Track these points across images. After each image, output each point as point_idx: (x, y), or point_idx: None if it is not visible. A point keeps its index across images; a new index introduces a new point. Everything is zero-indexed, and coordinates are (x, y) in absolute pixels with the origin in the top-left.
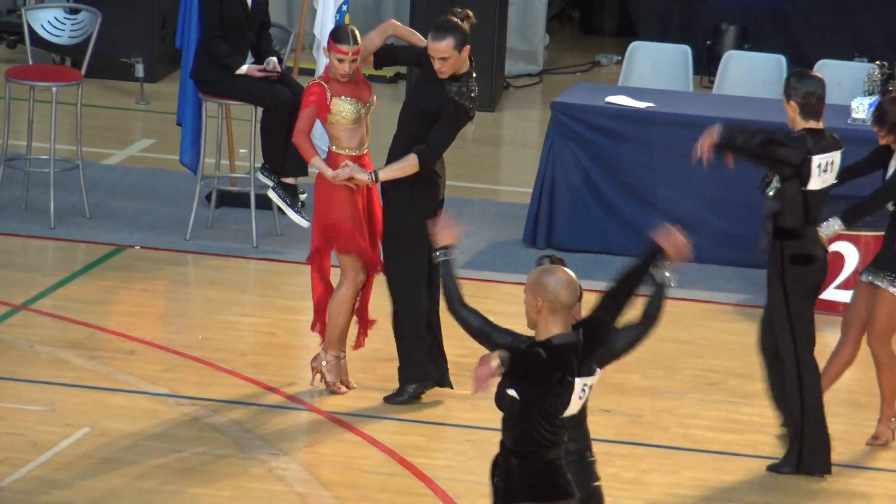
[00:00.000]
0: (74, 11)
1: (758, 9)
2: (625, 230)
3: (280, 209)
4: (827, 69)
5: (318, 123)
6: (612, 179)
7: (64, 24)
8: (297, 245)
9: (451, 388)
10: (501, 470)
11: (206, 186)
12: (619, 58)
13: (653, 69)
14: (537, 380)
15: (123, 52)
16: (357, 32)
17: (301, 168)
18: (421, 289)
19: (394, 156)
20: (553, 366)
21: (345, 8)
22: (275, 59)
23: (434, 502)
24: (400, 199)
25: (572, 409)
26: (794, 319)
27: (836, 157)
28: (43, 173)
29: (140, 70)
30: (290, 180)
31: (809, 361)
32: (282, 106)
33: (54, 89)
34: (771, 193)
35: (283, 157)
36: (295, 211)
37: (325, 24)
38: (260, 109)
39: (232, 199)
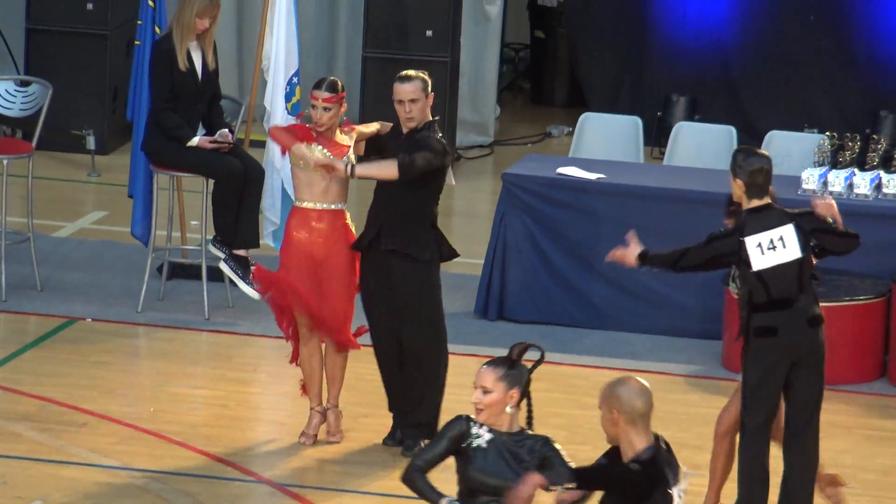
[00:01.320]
0: (25, 84)
1: (708, 80)
2: (576, 301)
3: (232, 281)
4: (777, 140)
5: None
6: (563, 250)
7: (15, 96)
8: (249, 317)
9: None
10: None
11: (157, 258)
12: (571, 129)
13: (604, 140)
14: (637, 498)
15: (74, 125)
16: (340, 84)
17: (253, 239)
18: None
19: (373, 217)
20: (650, 482)
21: (295, 80)
22: (226, 130)
23: None
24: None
25: None
26: (746, 390)
27: (784, 231)
28: None
29: (91, 142)
30: (241, 252)
31: (753, 437)
32: (233, 177)
33: (5, 162)
34: (731, 285)
35: (234, 228)
36: (246, 283)
37: (275, 96)
38: (211, 181)
39: (183, 271)
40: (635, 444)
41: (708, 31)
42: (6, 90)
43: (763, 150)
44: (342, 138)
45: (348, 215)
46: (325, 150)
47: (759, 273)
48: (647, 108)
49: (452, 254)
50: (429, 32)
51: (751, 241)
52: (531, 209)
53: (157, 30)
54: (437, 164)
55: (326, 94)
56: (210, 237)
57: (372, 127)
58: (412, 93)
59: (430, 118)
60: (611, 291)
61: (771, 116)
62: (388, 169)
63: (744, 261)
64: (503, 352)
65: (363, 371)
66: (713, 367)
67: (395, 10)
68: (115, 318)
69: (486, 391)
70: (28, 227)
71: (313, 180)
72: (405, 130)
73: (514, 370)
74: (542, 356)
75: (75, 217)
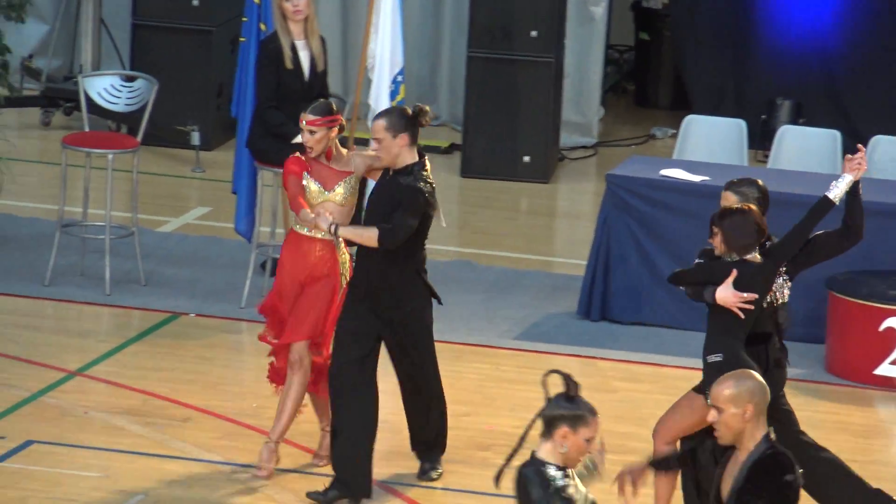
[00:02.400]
0: (131, 79)
1: (812, 84)
2: (679, 303)
3: None
4: (882, 145)
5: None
6: (667, 252)
7: (120, 91)
8: None
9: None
10: None
11: (260, 255)
12: (674, 131)
13: (707, 143)
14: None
15: (179, 120)
16: (333, 106)
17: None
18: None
19: (361, 265)
20: (794, 473)
21: (400, 78)
22: None
23: None
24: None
25: None
26: None
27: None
28: (98, 240)
29: (196, 138)
30: None
31: None
32: None
33: (110, 156)
34: None
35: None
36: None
37: (379, 94)
38: None
39: None
40: (756, 436)
41: (812, 35)
42: (112, 85)
43: (758, 180)
44: (342, 164)
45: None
46: (304, 214)
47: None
48: (752, 111)
49: (436, 296)
50: (533, 33)
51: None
52: (635, 210)
53: (263, 27)
54: (417, 218)
55: (311, 117)
56: None
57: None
58: (376, 130)
59: (411, 160)
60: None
61: (875, 121)
62: (368, 238)
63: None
64: (605, 353)
65: (463, 370)
66: (817, 370)
67: (500, 11)
68: (218, 314)
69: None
70: (132, 221)
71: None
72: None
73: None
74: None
75: (179, 212)
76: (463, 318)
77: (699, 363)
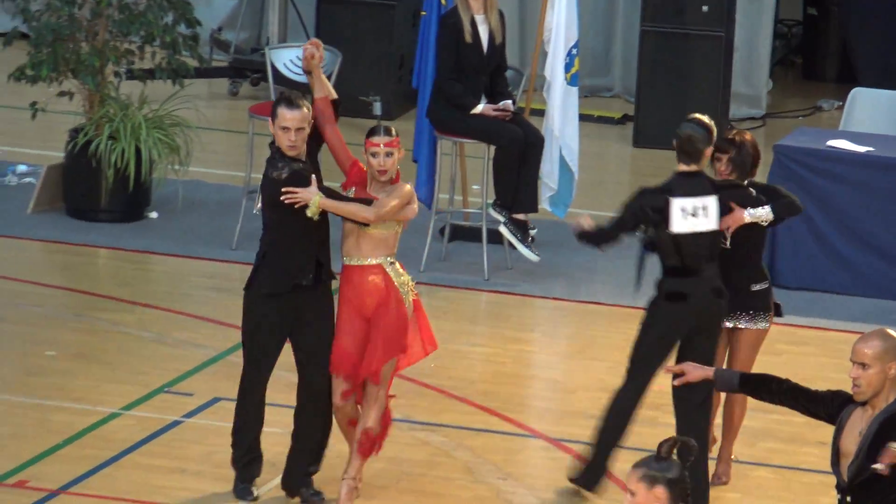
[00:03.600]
0: None
1: None
2: (844, 269)
3: (511, 244)
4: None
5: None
6: (833, 220)
7: None
8: (528, 278)
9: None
10: None
11: (439, 220)
12: (840, 103)
13: (872, 115)
14: None
15: (361, 91)
16: (393, 129)
17: (531, 204)
18: None
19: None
20: None
21: (574, 51)
22: (509, 101)
23: None
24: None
25: None
26: (641, 349)
27: (709, 201)
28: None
29: (377, 108)
30: (520, 216)
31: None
32: (514, 144)
33: None
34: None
35: (514, 193)
36: (525, 246)
37: (555, 66)
38: (492, 147)
39: (464, 234)
40: (890, 396)
41: None
42: (297, 57)
43: (708, 120)
44: (391, 193)
45: (389, 267)
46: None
47: (676, 236)
48: None
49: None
50: (704, 8)
51: (676, 203)
52: (802, 180)
53: (443, 1)
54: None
55: (388, 139)
56: (490, 201)
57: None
58: (299, 121)
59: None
60: (879, 261)
61: None
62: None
63: (663, 220)
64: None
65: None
66: None
67: None
68: None
69: (631, 493)
70: None
71: (346, 235)
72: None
73: (657, 466)
74: (690, 450)
75: None
76: (629, 281)
77: (863, 327)
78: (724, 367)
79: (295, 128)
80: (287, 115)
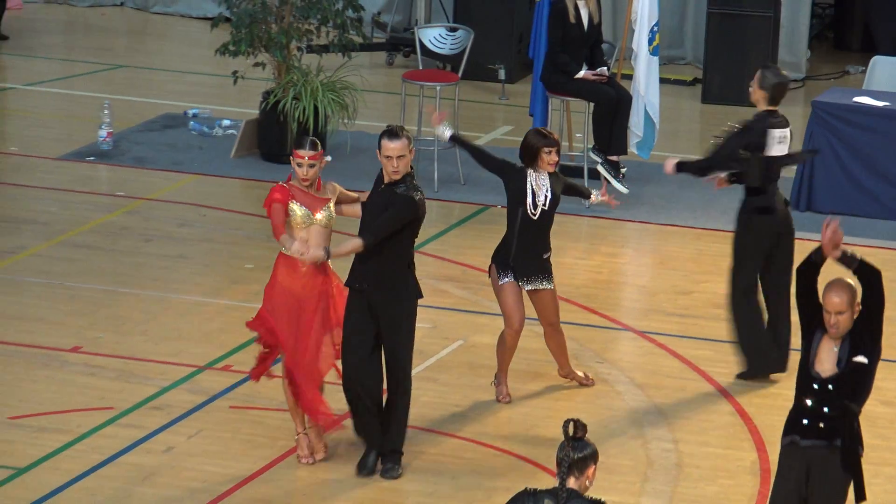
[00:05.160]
0: (453, 29)
1: None
2: (866, 198)
3: (606, 179)
4: (879, 64)
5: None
6: (859, 159)
7: (445, 39)
8: (619, 206)
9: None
10: (846, 433)
11: None
12: (864, 68)
13: (890, 77)
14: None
15: (489, 60)
16: (318, 142)
17: (622, 148)
18: None
19: (362, 259)
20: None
21: (655, 28)
22: (604, 68)
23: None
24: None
25: None
26: (743, 255)
27: (787, 132)
28: (429, 150)
29: (502, 74)
30: (613, 157)
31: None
32: (608, 101)
33: (438, 88)
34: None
35: (609, 140)
36: (617, 180)
37: (640, 40)
38: (591, 104)
39: (570, 171)
40: (849, 324)
41: None
42: (439, 34)
43: (784, 71)
44: (322, 192)
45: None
46: (294, 247)
47: (767, 159)
48: None
49: (420, 292)
50: None
51: (772, 133)
52: (834, 128)
53: None
54: (406, 217)
55: (311, 153)
56: (590, 146)
57: (353, 195)
58: (401, 149)
59: (409, 170)
60: (895, 191)
61: None
62: (356, 247)
63: (759, 147)
64: (810, 235)
65: (705, 249)
66: None
67: None
68: None
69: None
70: None
71: (300, 235)
72: (387, 180)
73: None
74: None
75: (489, 130)
76: (703, 208)
77: (883, 243)
78: None
79: (396, 156)
80: (390, 146)
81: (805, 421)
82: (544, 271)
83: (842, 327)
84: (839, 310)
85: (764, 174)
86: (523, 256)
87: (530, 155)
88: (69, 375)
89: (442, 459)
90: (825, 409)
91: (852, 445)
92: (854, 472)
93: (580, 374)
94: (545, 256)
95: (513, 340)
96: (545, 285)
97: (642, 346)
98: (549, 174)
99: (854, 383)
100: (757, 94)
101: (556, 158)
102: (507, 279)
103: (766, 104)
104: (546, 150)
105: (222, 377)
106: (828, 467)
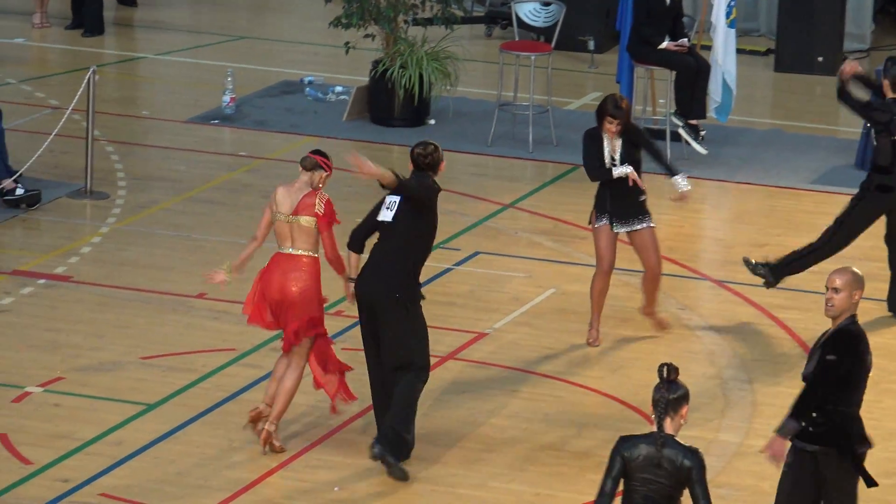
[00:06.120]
0: (547, 4)
1: None
2: None
3: (686, 141)
4: None
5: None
6: None
7: (539, 13)
8: (698, 166)
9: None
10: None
11: None
12: None
13: None
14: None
15: (580, 33)
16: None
17: (702, 113)
18: None
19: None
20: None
21: (733, 3)
22: (685, 39)
23: None
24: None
25: None
26: (853, 222)
27: None
28: (524, 115)
29: (591, 45)
30: (693, 121)
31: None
32: (689, 70)
33: (532, 57)
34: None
35: (690, 105)
36: (697, 142)
37: (718, 14)
38: (674, 72)
39: (653, 134)
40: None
41: None
42: (534, 9)
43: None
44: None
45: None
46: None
47: (894, 142)
48: None
49: (421, 294)
50: None
51: None
52: None
53: None
54: (431, 198)
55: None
56: (672, 111)
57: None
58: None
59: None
60: None
61: None
62: (389, 176)
63: (887, 130)
64: None
65: (777, 205)
66: None
67: None
68: None
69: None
70: (548, 102)
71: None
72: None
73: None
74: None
75: (580, 96)
76: (776, 168)
77: None
78: None
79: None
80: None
81: (803, 423)
82: (641, 212)
83: (836, 306)
84: (835, 286)
85: (893, 155)
86: (618, 201)
87: (598, 116)
88: (195, 319)
89: (536, 398)
90: (814, 414)
91: (848, 446)
92: (857, 469)
93: (661, 316)
94: (641, 199)
95: (601, 282)
96: (643, 225)
97: (720, 295)
98: (621, 137)
99: (828, 383)
100: (885, 83)
101: (616, 129)
102: (602, 223)
103: (892, 92)
104: (609, 119)
105: (335, 321)
106: (829, 470)
